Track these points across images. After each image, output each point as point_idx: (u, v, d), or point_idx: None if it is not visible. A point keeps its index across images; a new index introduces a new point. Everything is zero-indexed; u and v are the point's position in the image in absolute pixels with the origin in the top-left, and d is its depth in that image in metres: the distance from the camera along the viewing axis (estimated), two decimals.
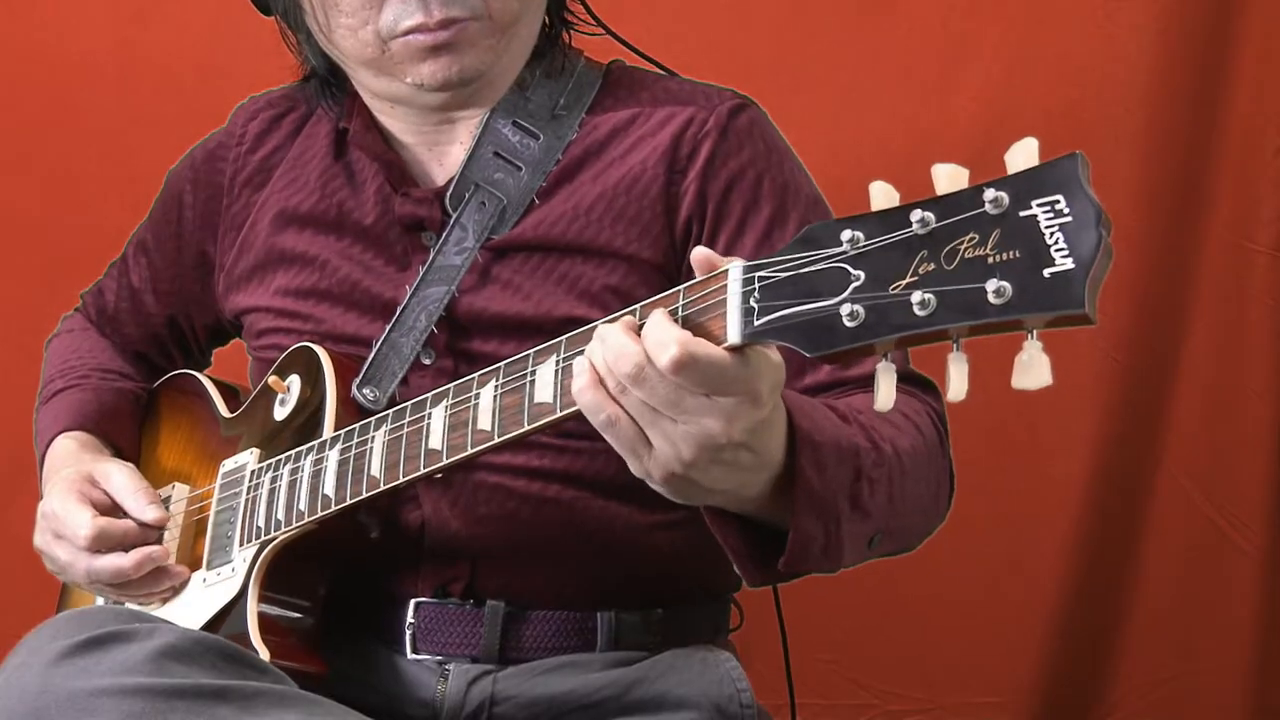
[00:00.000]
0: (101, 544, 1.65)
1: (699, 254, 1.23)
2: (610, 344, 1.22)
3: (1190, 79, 2.41)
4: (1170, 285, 2.42)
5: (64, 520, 1.67)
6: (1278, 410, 2.43)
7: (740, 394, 1.21)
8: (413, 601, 1.63)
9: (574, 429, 1.44)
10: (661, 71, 1.77)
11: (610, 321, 1.26)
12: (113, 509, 1.69)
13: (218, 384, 1.85)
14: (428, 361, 1.63)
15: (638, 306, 1.25)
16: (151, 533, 1.68)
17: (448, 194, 1.66)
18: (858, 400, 1.51)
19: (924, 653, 2.52)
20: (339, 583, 1.62)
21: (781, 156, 1.69)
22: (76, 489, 1.69)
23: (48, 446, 1.82)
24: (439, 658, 1.62)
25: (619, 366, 1.21)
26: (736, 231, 1.63)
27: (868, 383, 1.47)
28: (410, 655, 1.63)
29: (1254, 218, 2.42)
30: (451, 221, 1.65)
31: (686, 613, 1.69)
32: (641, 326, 1.22)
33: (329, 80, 1.76)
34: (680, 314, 1.21)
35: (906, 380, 1.58)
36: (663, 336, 1.19)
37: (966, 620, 2.50)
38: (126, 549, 1.66)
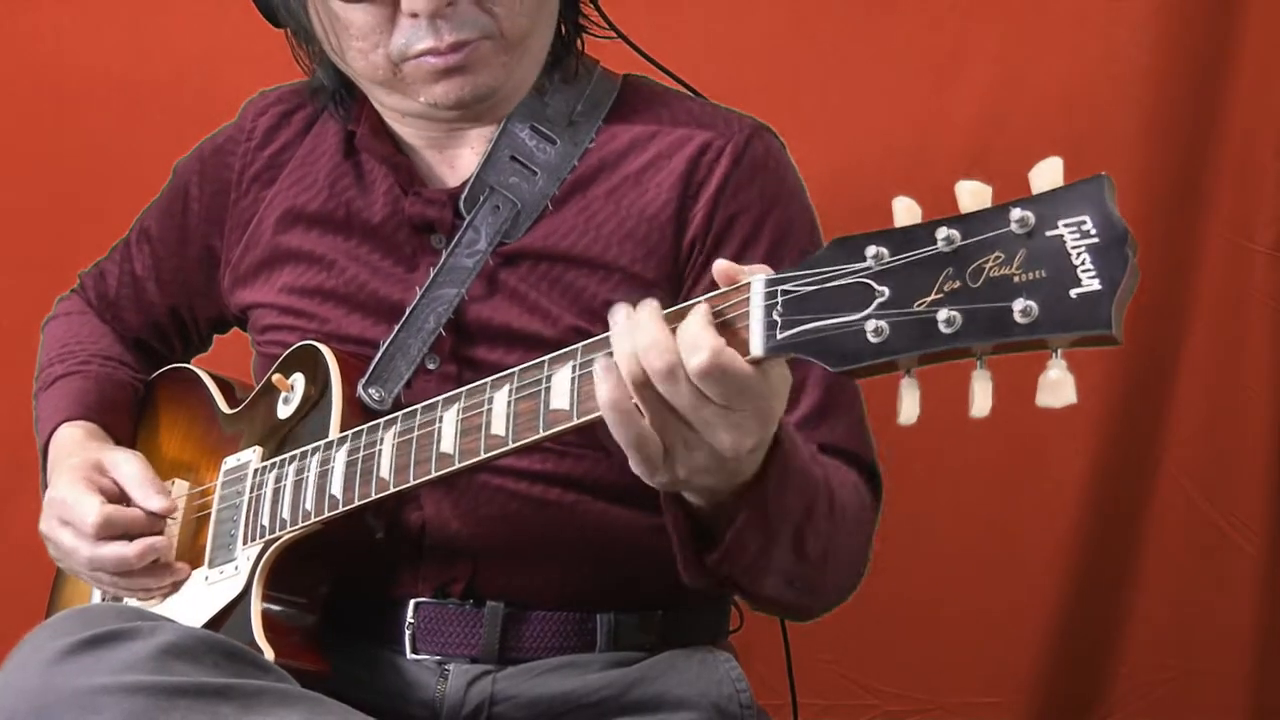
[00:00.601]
0: (108, 531, 1.65)
1: (721, 265, 1.24)
2: (645, 333, 1.22)
3: (1190, 79, 2.41)
4: (1170, 285, 2.42)
5: (71, 506, 1.66)
6: (1278, 410, 2.42)
7: (754, 410, 1.22)
8: (412, 601, 1.63)
9: (576, 437, 1.45)
10: (677, 84, 1.77)
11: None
12: (120, 497, 1.69)
13: (215, 379, 1.84)
14: (432, 366, 1.63)
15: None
16: (158, 522, 1.68)
17: (462, 195, 1.66)
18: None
19: (924, 653, 2.52)
20: (339, 582, 1.61)
21: (790, 194, 1.69)
22: (84, 476, 1.69)
23: (50, 435, 1.82)
24: (438, 658, 1.62)
25: (651, 360, 1.21)
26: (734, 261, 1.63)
27: (827, 450, 1.54)
28: (410, 655, 1.63)
29: (1254, 218, 2.42)
30: (465, 223, 1.65)
31: (686, 614, 1.69)
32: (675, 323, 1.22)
33: (338, 91, 1.76)
34: None
35: (855, 462, 1.60)
36: (697, 339, 1.19)
37: (967, 620, 2.49)
38: (132, 538, 1.65)
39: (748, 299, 1.19)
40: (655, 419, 1.24)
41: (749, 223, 1.65)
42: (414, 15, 1.58)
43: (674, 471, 1.27)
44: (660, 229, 1.64)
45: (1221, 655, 2.45)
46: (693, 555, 1.40)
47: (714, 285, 1.47)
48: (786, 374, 1.24)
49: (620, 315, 1.25)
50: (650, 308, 1.24)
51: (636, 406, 1.24)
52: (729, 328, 1.20)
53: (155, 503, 1.68)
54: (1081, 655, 2.50)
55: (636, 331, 1.23)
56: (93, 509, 1.65)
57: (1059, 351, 1.04)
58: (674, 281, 1.64)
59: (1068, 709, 2.51)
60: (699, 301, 1.23)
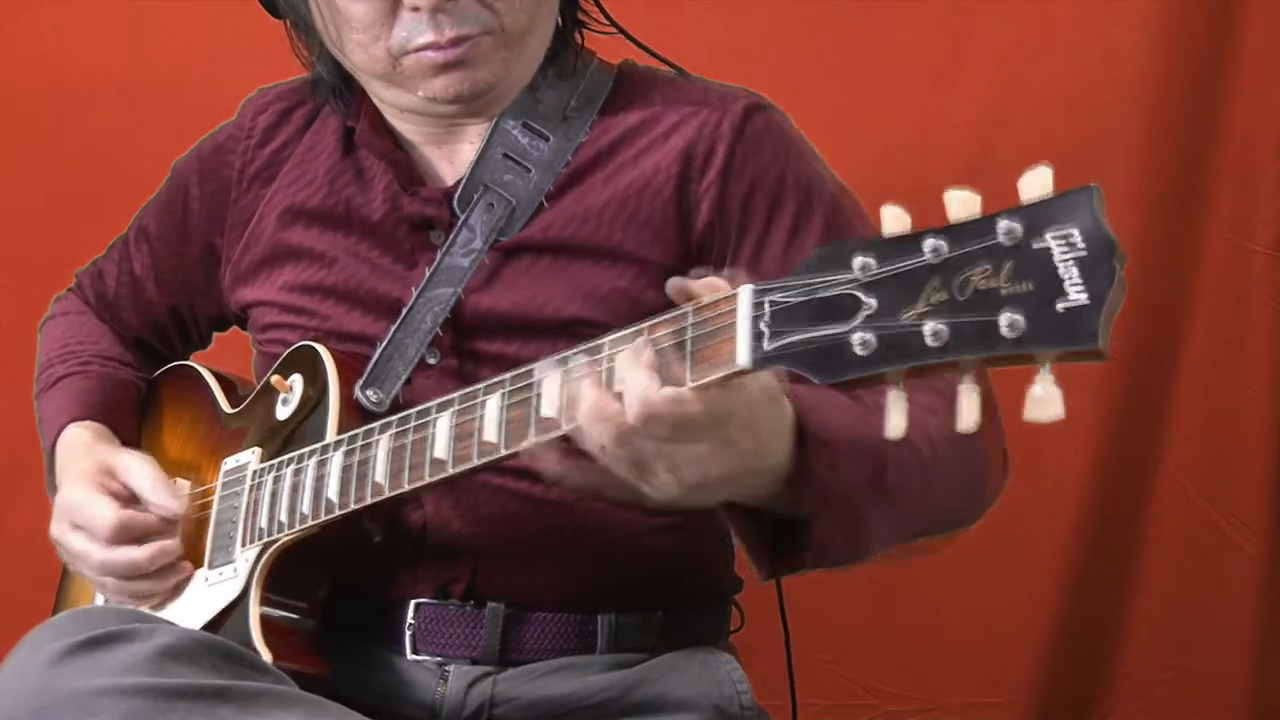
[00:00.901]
0: (124, 535, 1.64)
1: (675, 284, 1.24)
2: (589, 407, 1.24)
3: (1190, 79, 2.41)
4: (1170, 285, 2.42)
5: (85, 511, 1.66)
6: (1278, 410, 2.42)
7: (713, 440, 1.23)
8: (413, 602, 1.63)
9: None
10: (674, 72, 1.77)
11: (586, 353, 1.28)
12: (131, 501, 1.68)
13: (217, 376, 1.84)
14: (432, 361, 1.63)
15: (645, 325, 1.25)
16: (170, 526, 1.67)
17: (456, 195, 1.66)
18: None
19: (924, 653, 2.52)
20: (339, 583, 1.61)
21: (800, 153, 1.69)
22: (95, 480, 1.68)
23: (56, 436, 1.80)
24: (439, 659, 1.62)
25: (600, 433, 1.23)
26: (763, 233, 1.63)
27: None
28: (410, 656, 1.63)
29: (1254, 218, 2.41)
30: (459, 223, 1.65)
31: (687, 615, 1.69)
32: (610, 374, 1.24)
33: (337, 85, 1.76)
34: (689, 335, 1.21)
35: None
36: (631, 390, 1.21)
37: (967, 620, 2.50)
38: (141, 542, 1.65)
39: (734, 310, 1.18)
40: (635, 465, 1.26)
41: (768, 192, 1.64)
42: (415, 9, 1.57)
43: (666, 495, 1.28)
44: (662, 208, 1.63)
45: (1221, 655, 2.45)
46: (778, 563, 1.39)
47: (749, 263, 1.52)
48: (743, 392, 1.23)
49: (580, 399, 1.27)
50: (585, 379, 1.26)
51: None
52: (716, 339, 1.19)
53: (171, 507, 1.66)
54: (1081, 655, 2.50)
55: (582, 408, 1.25)
56: (108, 513, 1.64)
57: (1047, 365, 1.03)
58: (685, 266, 1.60)
59: (1068, 709, 2.51)
60: (659, 320, 1.24)
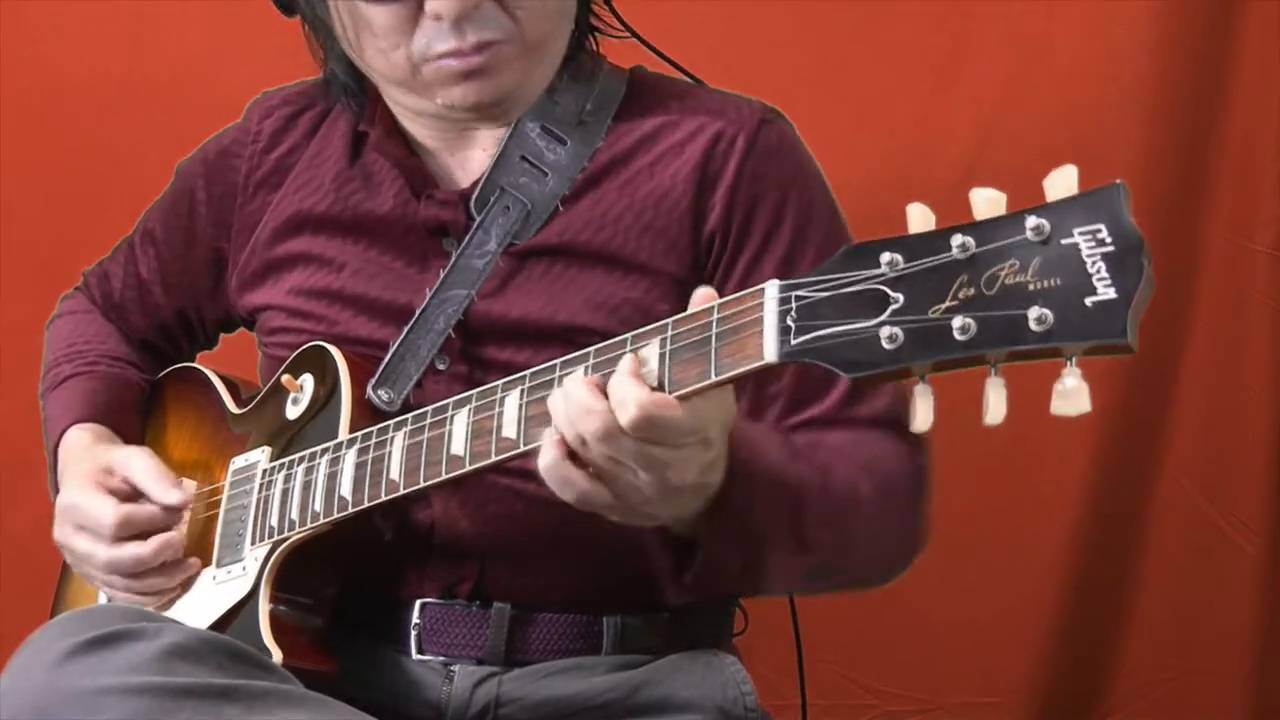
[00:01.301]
0: (126, 531, 1.64)
1: (703, 293, 1.27)
2: (576, 403, 1.27)
3: (1190, 79, 2.41)
4: (1170, 285, 2.42)
5: (86, 511, 1.66)
6: (1278, 410, 2.43)
7: (694, 443, 1.27)
8: (418, 602, 1.63)
9: None
10: (686, 78, 1.77)
11: (574, 364, 1.32)
12: (132, 496, 1.68)
13: (222, 378, 1.84)
14: (442, 367, 1.63)
15: (670, 320, 1.26)
16: (174, 517, 1.67)
17: (473, 197, 1.66)
18: (835, 438, 1.55)
19: (924, 653, 2.52)
20: (346, 582, 1.61)
21: (807, 176, 1.70)
22: (95, 480, 1.68)
23: (60, 436, 1.80)
24: (443, 659, 1.62)
25: (586, 425, 1.26)
26: (759, 251, 1.64)
27: (867, 423, 1.57)
28: (415, 656, 1.63)
29: (1254, 218, 2.42)
30: (475, 225, 1.64)
31: (692, 616, 1.69)
32: (606, 378, 1.27)
33: (351, 86, 1.75)
34: (714, 329, 1.22)
35: (895, 427, 1.60)
36: (623, 397, 1.24)
37: (966, 620, 2.50)
38: (146, 536, 1.64)
39: (761, 304, 1.19)
40: (606, 472, 1.29)
41: (770, 209, 1.65)
42: (438, 18, 1.57)
43: (632, 513, 1.32)
44: (679, 220, 1.64)
45: (1221, 655, 2.46)
46: (669, 579, 1.45)
47: (740, 281, 1.52)
48: (723, 399, 1.27)
49: (561, 388, 1.30)
50: (577, 376, 1.29)
51: (573, 460, 1.29)
52: (743, 333, 1.20)
53: (172, 496, 1.66)
54: (1081, 655, 2.50)
55: (568, 401, 1.27)
56: (109, 510, 1.64)
57: (1073, 359, 1.04)
58: (695, 275, 1.63)
59: (1068, 709, 2.51)
60: (681, 318, 1.26)
